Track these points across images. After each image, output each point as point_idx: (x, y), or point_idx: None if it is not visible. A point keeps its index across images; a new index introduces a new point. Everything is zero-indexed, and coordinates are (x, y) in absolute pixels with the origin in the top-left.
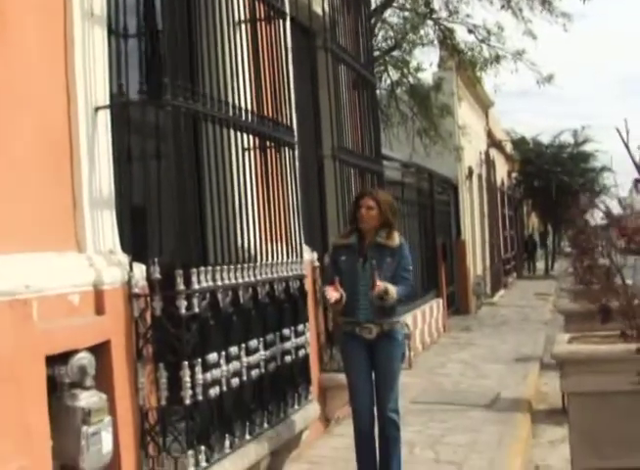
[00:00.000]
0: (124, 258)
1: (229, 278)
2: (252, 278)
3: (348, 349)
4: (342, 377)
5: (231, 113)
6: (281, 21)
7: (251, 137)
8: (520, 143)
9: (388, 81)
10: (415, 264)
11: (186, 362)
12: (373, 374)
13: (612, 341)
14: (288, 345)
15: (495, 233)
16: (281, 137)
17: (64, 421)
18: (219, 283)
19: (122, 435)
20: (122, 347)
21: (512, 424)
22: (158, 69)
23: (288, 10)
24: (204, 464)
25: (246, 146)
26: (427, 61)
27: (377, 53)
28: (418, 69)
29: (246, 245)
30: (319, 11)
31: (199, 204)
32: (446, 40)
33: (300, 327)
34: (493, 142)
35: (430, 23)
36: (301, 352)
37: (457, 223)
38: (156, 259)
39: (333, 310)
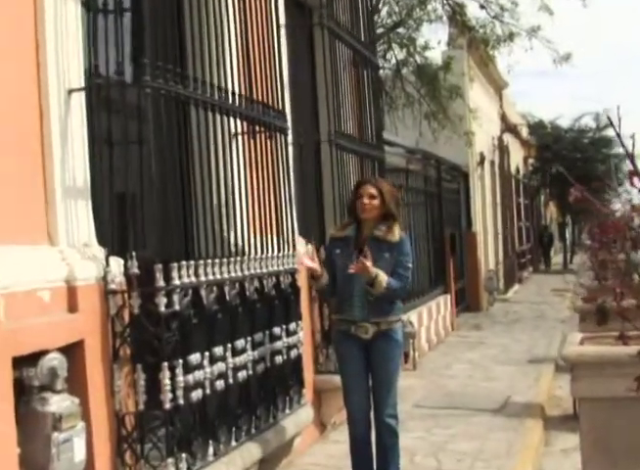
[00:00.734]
0: (100, 252)
1: (214, 273)
2: (240, 273)
3: (343, 349)
4: (338, 379)
5: (216, 96)
6: None
7: (239, 122)
8: (537, 127)
9: (394, 61)
10: (421, 258)
11: (166, 364)
12: (369, 376)
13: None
14: (278, 344)
15: (509, 224)
16: (272, 122)
17: (32, 427)
18: (203, 278)
19: (97, 442)
20: (97, 347)
21: (522, 431)
22: (138, 48)
23: None
24: None
25: (234, 131)
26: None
27: (380, 30)
28: (425, 47)
29: (233, 237)
30: None
31: (183, 193)
32: (456, 16)
33: (292, 325)
34: (507, 126)
35: None
36: (293, 353)
37: (467, 213)
38: (134, 253)
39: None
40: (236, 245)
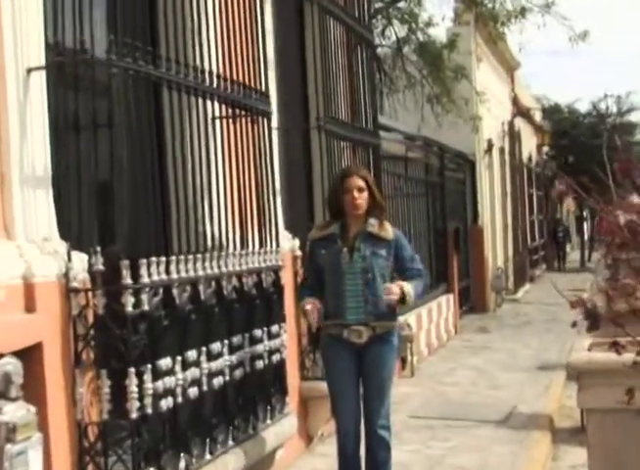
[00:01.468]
0: (62, 247)
1: (187, 270)
2: (216, 270)
3: (331, 354)
4: (326, 386)
5: (192, 76)
6: None
7: (217, 105)
8: (552, 111)
9: (393, 38)
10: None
11: (133, 369)
12: (361, 384)
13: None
14: (259, 348)
15: (520, 217)
16: (254, 105)
17: None
18: (175, 276)
19: (56, 455)
20: (57, 350)
21: (528, 444)
22: (106, 23)
23: None
24: None
25: (212, 115)
26: (439, 14)
27: (379, 4)
28: (429, 23)
29: (210, 231)
30: None
31: (156, 183)
32: None
33: (275, 328)
34: (519, 110)
35: None
36: (276, 357)
37: (474, 206)
38: (98, 248)
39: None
40: (213, 239)
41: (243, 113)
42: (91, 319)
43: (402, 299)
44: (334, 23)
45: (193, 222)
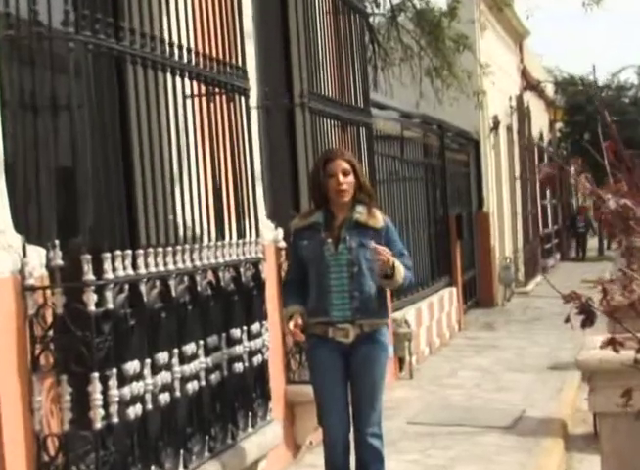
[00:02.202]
0: (16, 240)
1: (157, 264)
2: (189, 264)
3: (317, 356)
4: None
5: (159, 51)
6: None
7: (188, 82)
8: (566, 84)
9: (388, 6)
10: (420, 244)
11: (96, 374)
12: (349, 388)
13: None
14: (238, 349)
15: (531, 202)
16: (230, 82)
17: None
18: (143, 271)
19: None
20: (12, 354)
21: (537, 452)
22: None
23: None
24: None
25: (183, 93)
26: None
27: None
28: None
29: (182, 221)
30: None
31: (120, 168)
32: None
33: (256, 326)
34: (529, 84)
35: None
36: (257, 359)
37: (478, 190)
38: (57, 242)
39: None
40: (185, 230)
41: (217, 90)
42: (50, 320)
43: (391, 274)
44: None
45: (162, 211)
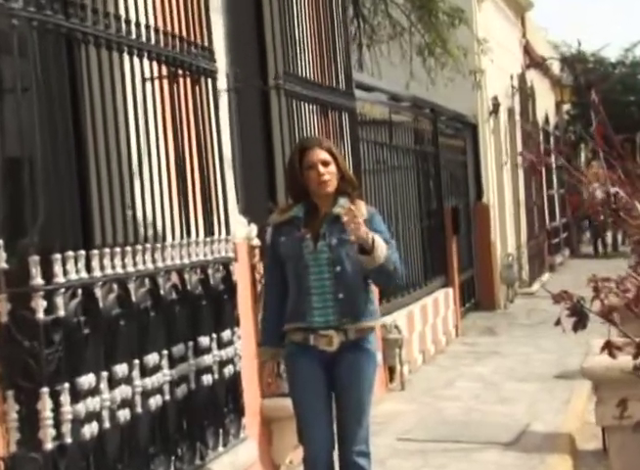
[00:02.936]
0: None
1: (114, 266)
2: (151, 265)
3: (297, 367)
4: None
5: (114, 28)
6: None
7: (148, 63)
8: (575, 61)
9: None
10: (411, 240)
11: (46, 389)
12: (333, 402)
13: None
14: (207, 359)
15: (536, 192)
16: (195, 62)
17: None
18: (98, 273)
19: None
20: None
21: None
22: None
23: None
24: None
25: (142, 76)
26: None
27: None
28: None
29: (142, 217)
30: None
31: (72, 159)
32: None
33: (226, 334)
34: (533, 61)
35: None
36: (228, 370)
37: (477, 179)
38: (1, 242)
39: None
40: (146, 227)
41: (181, 72)
42: None
43: (370, 250)
44: None
45: (120, 207)
